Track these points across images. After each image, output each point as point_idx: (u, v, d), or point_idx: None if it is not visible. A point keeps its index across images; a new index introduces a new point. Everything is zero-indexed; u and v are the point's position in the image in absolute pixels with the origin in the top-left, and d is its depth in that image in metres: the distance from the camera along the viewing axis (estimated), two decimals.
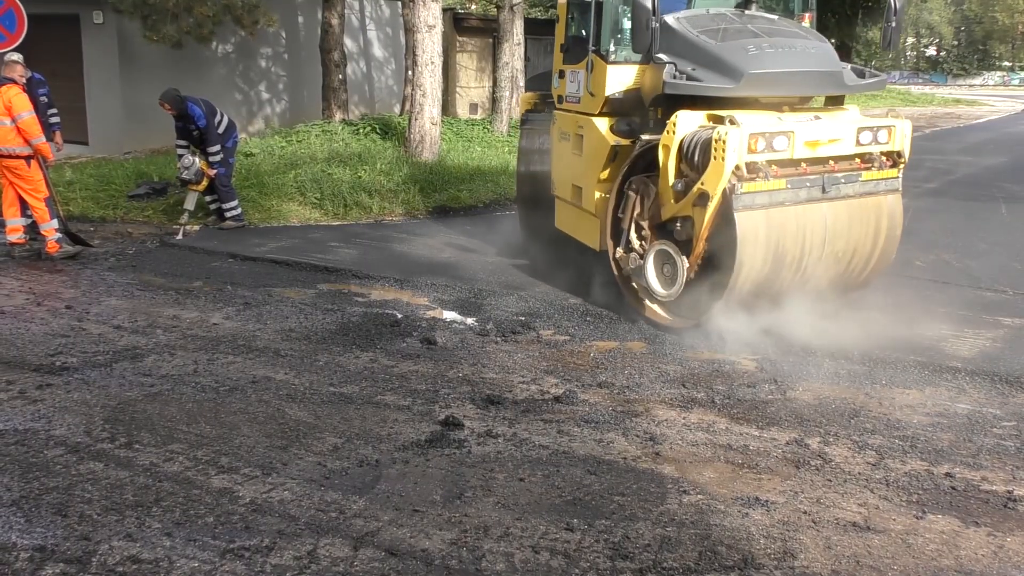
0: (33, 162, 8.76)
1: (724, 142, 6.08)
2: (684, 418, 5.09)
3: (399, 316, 7.04)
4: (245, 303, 7.40)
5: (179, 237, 10.02)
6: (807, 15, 8.13)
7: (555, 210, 8.43)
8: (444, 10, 17.64)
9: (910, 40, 78.04)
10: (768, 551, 3.67)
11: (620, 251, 7.25)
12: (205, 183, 10.27)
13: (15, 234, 9.10)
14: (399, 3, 20.77)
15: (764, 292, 6.54)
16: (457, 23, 23.46)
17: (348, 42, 19.17)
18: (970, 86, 65.10)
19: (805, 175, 6.51)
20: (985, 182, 15.21)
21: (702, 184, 6.26)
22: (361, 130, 15.99)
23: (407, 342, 6.43)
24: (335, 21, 17.18)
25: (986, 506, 4.10)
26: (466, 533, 3.76)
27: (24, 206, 9.05)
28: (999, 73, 74.53)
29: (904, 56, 76.73)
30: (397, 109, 20.25)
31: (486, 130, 17.87)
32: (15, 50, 9.61)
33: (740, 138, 6.13)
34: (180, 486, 4.16)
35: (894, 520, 3.95)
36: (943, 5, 68.49)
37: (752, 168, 6.20)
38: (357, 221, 11.29)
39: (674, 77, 6.72)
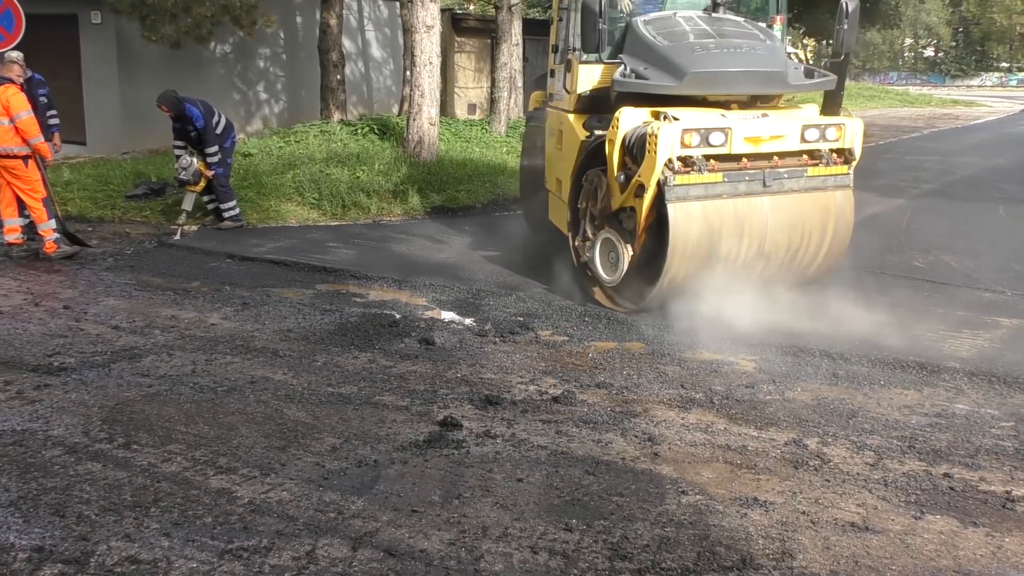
0: (31, 162, 8.76)
1: (657, 137, 6.48)
2: (682, 418, 5.09)
3: (397, 316, 7.04)
4: (243, 303, 7.40)
5: (177, 237, 10.02)
6: (778, 17, 8.37)
7: (548, 204, 8.72)
8: (442, 10, 17.63)
9: (908, 41, 78.11)
10: (767, 551, 3.67)
11: (579, 240, 7.69)
12: (203, 184, 10.28)
13: (13, 234, 9.10)
14: (397, 3, 20.76)
15: (702, 280, 6.82)
16: (455, 23, 23.45)
17: (346, 42, 19.16)
18: (968, 87, 65.13)
19: (745, 169, 6.84)
20: (983, 183, 15.22)
21: (639, 176, 6.61)
22: (359, 130, 15.97)
23: (405, 342, 6.43)
24: (333, 22, 17.16)
25: (984, 506, 4.10)
26: (465, 533, 3.76)
27: (22, 206, 9.05)
28: (997, 74, 74.54)
29: (902, 57, 76.81)
30: (395, 109, 20.24)
31: (484, 131, 17.85)
32: (14, 49, 9.61)
33: (673, 133, 6.55)
34: (178, 486, 4.16)
35: (892, 520, 3.95)
36: (941, 6, 68.51)
37: (688, 162, 6.61)
38: (355, 221, 11.29)
39: (624, 76, 7.18)
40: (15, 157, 8.66)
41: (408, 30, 15.93)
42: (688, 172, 6.60)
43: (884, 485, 4.29)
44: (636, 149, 6.69)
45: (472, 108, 23.64)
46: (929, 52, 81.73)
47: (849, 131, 7.16)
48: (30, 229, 9.20)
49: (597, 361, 6.09)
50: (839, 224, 7.16)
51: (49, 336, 6.45)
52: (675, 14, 7.87)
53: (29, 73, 9.43)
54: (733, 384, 5.66)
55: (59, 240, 9.03)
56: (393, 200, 11.93)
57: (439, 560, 3.55)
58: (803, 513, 4.00)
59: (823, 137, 7.09)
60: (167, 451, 4.55)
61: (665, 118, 6.71)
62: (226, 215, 10.55)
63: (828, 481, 4.33)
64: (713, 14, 8.00)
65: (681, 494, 4.17)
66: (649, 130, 6.55)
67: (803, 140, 7.03)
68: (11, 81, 8.71)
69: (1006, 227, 11.16)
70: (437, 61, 13.97)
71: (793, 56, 7.95)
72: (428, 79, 13.81)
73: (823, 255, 7.21)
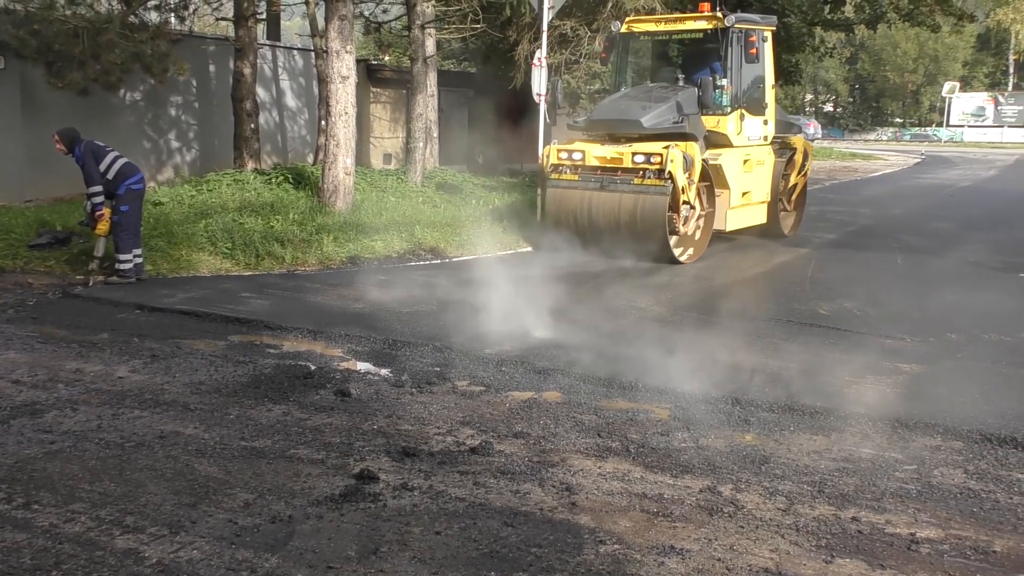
0: None
1: (544, 153, 12.70)
2: (599, 467, 5.13)
3: (312, 368, 6.95)
4: (152, 356, 7.21)
5: (90, 285, 9.77)
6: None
7: None
8: (358, 61, 17.68)
9: (809, 97, 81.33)
10: None
11: None
12: (103, 227, 9.87)
13: None
14: (312, 54, 20.77)
15: (566, 228, 12.35)
16: (371, 74, 23.57)
17: (260, 91, 19.04)
18: (865, 141, 67.85)
19: (594, 175, 12.09)
20: (882, 233, 15.87)
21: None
22: (274, 179, 15.81)
23: (321, 394, 6.34)
24: (247, 70, 17.08)
25: (891, 548, 4.22)
26: None
27: None
28: (892, 129, 77.98)
29: (803, 112, 79.87)
30: (310, 159, 20.12)
31: (400, 180, 17.85)
32: None
33: (550, 151, 12.61)
34: (82, 548, 4.00)
35: (804, 565, 4.03)
36: (838, 64, 71.65)
37: (559, 167, 12.43)
38: (269, 271, 11.14)
39: (575, 121, 13.39)
40: None
41: (323, 80, 15.94)
42: (560, 174, 12.38)
43: (796, 530, 4.38)
44: None
45: (388, 158, 23.69)
46: (828, 107, 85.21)
47: (667, 158, 11.27)
48: None
49: (514, 411, 6.10)
50: (647, 214, 11.55)
51: None
52: (648, 84, 13.40)
53: None
54: (648, 432, 5.73)
55: None
56: (308, 250, 11.82)
57: None
58: (719, 560, 4.06)
59: (647, 161, 11.47)
60: (70, 511, 4.38)
61: (570, 143, 12.57)
62: (116, 265, 10.03)
63: (742, 527, 4.40)
64: (674, 83, 12.98)
65: (599, 543, 4.18)
66: (544, 149, 12.90)
67: (632, 162, 11.66)
68: None
69: (904, 275, 11.64)
70: (353, 111, 13.99)
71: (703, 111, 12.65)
72: (344, 129, 13.81)
73: (639, 227, 11.63)
